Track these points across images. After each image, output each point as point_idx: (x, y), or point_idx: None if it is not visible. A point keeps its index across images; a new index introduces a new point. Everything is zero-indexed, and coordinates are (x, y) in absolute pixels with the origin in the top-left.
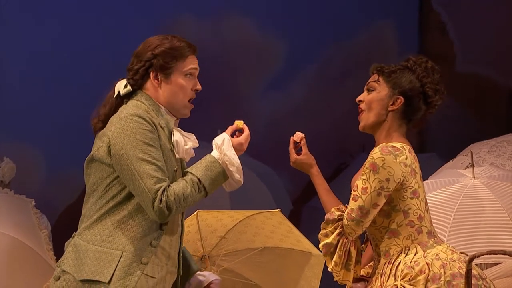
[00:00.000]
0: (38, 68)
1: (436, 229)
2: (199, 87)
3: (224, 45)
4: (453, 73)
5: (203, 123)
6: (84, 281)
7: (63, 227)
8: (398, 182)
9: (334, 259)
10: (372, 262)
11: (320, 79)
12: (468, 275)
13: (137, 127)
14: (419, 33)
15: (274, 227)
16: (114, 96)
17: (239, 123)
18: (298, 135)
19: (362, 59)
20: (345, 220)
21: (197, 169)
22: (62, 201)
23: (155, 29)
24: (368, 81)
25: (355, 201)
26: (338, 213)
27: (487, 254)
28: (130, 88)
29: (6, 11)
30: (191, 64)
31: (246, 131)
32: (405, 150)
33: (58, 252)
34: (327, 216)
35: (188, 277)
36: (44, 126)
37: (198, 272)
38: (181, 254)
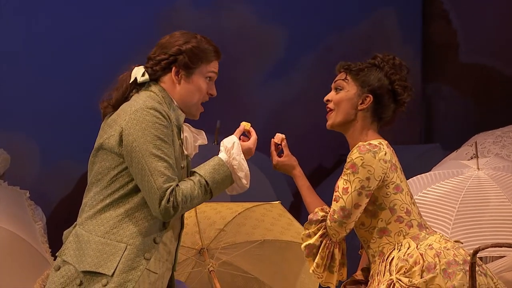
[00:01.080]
0: (33, 60)
1: (439, 222)
2: (214, 92)
3: (223, 33)
4: (457, 62)
5: (202, 113)
6: (85, 272)
7: (58, 219)
8: (380, 180)
9: (316, 260)
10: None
11: (321, 68)
12: (473, 268)
13: (153, 121)
14: (422, 21)
15: (274, 219)
16: (130, 82)
17: (246, 125)
18: (279, 137)
19: (364, 47)
20: (328, 222)
21: (205, 171)
22: (57, 193)
23: (152, 17)
24: (336, 80)
25: (336, 202)
26: (322, 213)
27: (492, 247)
28: (148, 77)
29: (3, 6)
30: (213, 68)
31: (254, 135)
32: (383, 145)
33: (53, 244)
34: (310, 216)
35: None
36: (40, 117)
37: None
38: (178, 251)
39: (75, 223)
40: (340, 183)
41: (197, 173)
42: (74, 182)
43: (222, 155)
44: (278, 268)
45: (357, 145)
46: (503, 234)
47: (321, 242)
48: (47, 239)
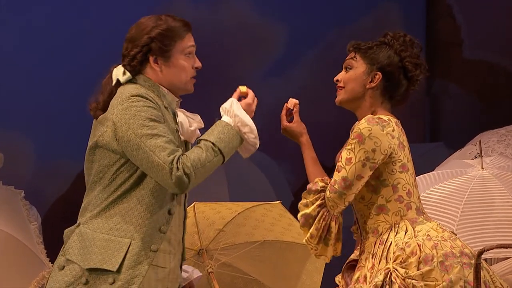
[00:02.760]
0: (30, 58)
1: (444, 222)
2: (199, 64)
3: (222, 29)
4: (461, 59)
5: (201, 110)
6: (91, 270)
7: (53, 220)
8: (386, 154)
9: (310, 230)
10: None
11: (322, 65)
12: (477, 269)
13: (141, 105)
14: (425, 16)
15: (275, 219)
16: (113, 84)
17: (242, 88)
18: (292, 101)
19: None
20: (327, 192)
21: (209, 134)
22: (52, 192)
23: (149, 12)
24: (345, 59)
25: (338, 172)
26: (321, 184)
27: (497, 248)
28: (130, 75)
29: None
30: (189, 42)
31: (251, 93)
32: (391, 122)
33: (49, 245)
34: (309, 185)
35: None
36: (35, 116)
37: (183, 267)
38: (184, 240)
39: (78, 222)
40: (344, 154)
41: (202, 139)
42: (70, 182)
43: (224, 117)
44: (278, 269)
45: (366, 117)
46: (509, 235)
47: (318, 212)
48: (42, 240)
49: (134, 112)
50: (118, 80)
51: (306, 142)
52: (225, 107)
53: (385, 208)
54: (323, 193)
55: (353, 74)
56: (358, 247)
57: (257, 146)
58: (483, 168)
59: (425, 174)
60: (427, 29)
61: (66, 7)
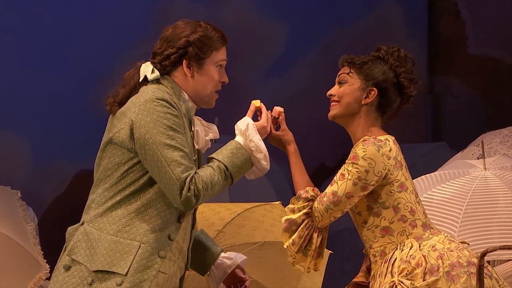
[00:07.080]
0: (26, 56)
1: (446, 224)
2: (226, 79)
3: (222, 29)
4: (465, 56)
5: (201, 110)
6: (98, 271)
7: (50, 220)
8: (380, 176)
9: (293, 237)
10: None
11: (323, 65)
12: (481, 271)
13: (163, 111)
14: (428, 14)
15: (275, 220)
16: (140, 80)
17: (256, 103)
18: (276, 110)
19: (368, 42)
20: (315, 203)
21: (223, 155)
22: (50, 192)
23: (148, 11)
24: (339, 74)
25: (331, 186)
26: (312, 193)
27: (500, 249)
28: (158, 74)
29: None
30: (223, 55)
31: (264, 111)
32: (389, 141)
33: (46, 246)
34: (300, 192)
35: (211, 260)
36: (32, 114)
37: (223, 255)
38: (190, 249)
39: (82, 220)
40: (340, 170)
41: (215, 158)
42: (67, 182)
43: (238, 138)
44: (278, 270)
45: (362, 139)
46: None
47: (303, 221)
48: (39, 241)
49: (156, 117)
50: (145, 77)
51: (294, 151)
52: (240, 128)
53: (390, 230)
54: (311, 202)
55: (348, 89)
56: (364, 267)
57: (267, 171)
58: (485, 169)
59: (427, 175)
60: (430, 25)
61: (63, 4)
